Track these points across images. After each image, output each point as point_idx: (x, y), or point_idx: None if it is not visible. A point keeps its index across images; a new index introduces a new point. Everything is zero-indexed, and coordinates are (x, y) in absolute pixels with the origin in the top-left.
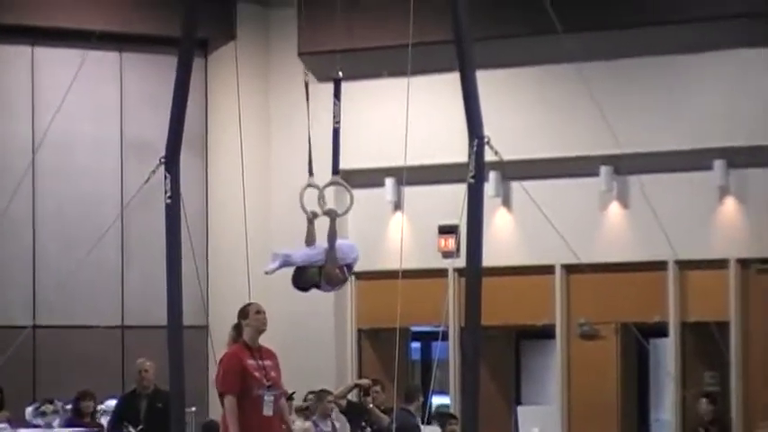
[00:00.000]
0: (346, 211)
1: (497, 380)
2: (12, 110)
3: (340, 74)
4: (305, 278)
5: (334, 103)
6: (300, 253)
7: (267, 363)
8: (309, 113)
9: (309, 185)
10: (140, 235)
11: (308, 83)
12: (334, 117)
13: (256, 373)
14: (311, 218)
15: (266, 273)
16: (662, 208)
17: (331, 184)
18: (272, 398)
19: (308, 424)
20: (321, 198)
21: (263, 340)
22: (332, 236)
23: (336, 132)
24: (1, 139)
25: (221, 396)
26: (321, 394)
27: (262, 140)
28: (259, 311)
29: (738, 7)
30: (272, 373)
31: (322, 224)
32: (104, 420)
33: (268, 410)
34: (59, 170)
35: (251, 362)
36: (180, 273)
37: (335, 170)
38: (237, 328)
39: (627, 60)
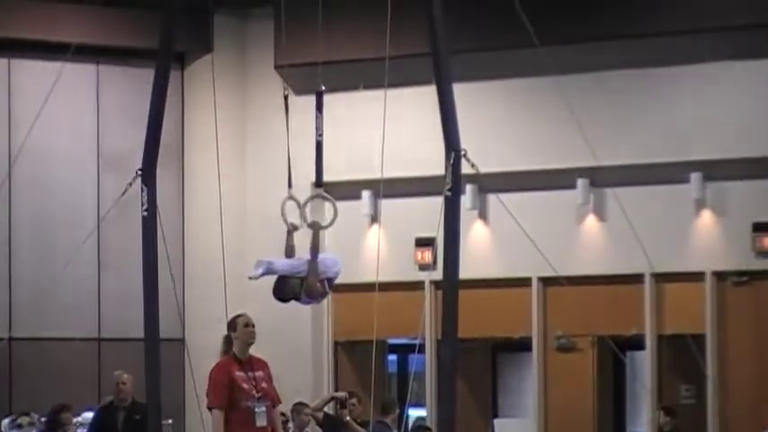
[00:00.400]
0: (330, 224)
1: (474, 392)
2: None
3: (322, 87)
4: (286, 289)
5: (317, 116)
6: (284, 262)
7: (258, 374)
8: (288, 127)
9: (290, 198)
10: (117, 247)
11: (288, 96)
12: (316, 129)
13: (245, 385)
14: (291, 230)
15: (250, 278)
16: (638, 221)
17: (315, 197)
18: (263, 409)
19: None
20: (302, 211)
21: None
22: (314, 248)
23: (319, 145)
24: None
25: (209, 410)
26: (298, 407)
27: (238, 153)
28: (248, 324)
29: (717, 21)
30: (263, 384)
31: (301, 237)
32: None
33: (261, 421)
34: (36, 183)
35: (239, 373)
36: (156, 285)
37: (319, 183)
38: (228, 340)
39: (604, 73)
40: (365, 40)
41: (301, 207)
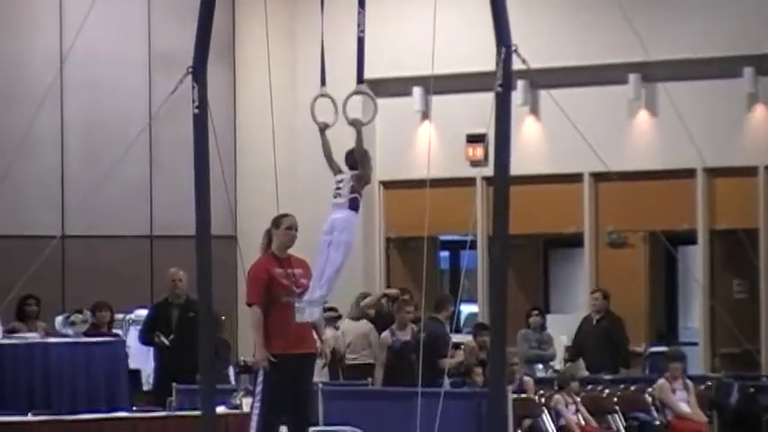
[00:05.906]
0: (370, 120)
1: (525, 288)
2: (38, 23)
3: None
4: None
5: (359, 12)
6: (320, 293)
7: (297, 270)
8: (326, 23)
9: (322, 95)
10: (168, 146)
11: None
12: (358, 26)
13: (284, 281)
14: (323, 128)
15: (306, 321)
16: (690, 115)
17: (355, 93)
18: (303, 305)
19: (338, 332)
20: (344, 109)
21: (293, 249)
22: (359, 144)
23: (361, 41)
24: (28, 52)
25: (248, 306)
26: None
27: (288, 50)
28: (290, 227)
29: None
30: (303, 281)
31: (340, 138)
32: (134, 330)
33: (300, 317)
34: (87, 83)
35: (278, 270)
36: (208, 183)
37: (360, 79)
38: (268, 234)
39: None
40: None
41: (343, 104)
